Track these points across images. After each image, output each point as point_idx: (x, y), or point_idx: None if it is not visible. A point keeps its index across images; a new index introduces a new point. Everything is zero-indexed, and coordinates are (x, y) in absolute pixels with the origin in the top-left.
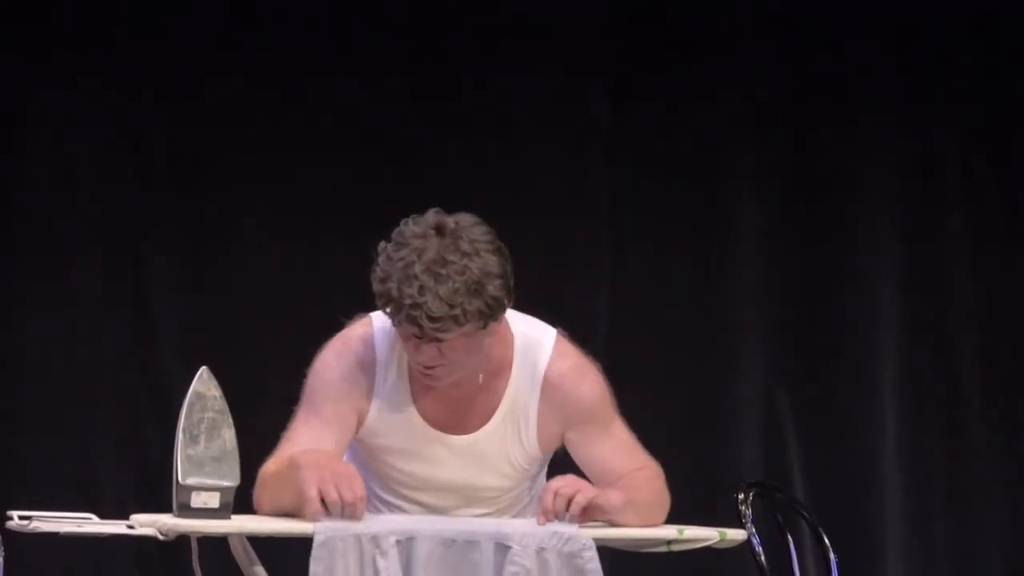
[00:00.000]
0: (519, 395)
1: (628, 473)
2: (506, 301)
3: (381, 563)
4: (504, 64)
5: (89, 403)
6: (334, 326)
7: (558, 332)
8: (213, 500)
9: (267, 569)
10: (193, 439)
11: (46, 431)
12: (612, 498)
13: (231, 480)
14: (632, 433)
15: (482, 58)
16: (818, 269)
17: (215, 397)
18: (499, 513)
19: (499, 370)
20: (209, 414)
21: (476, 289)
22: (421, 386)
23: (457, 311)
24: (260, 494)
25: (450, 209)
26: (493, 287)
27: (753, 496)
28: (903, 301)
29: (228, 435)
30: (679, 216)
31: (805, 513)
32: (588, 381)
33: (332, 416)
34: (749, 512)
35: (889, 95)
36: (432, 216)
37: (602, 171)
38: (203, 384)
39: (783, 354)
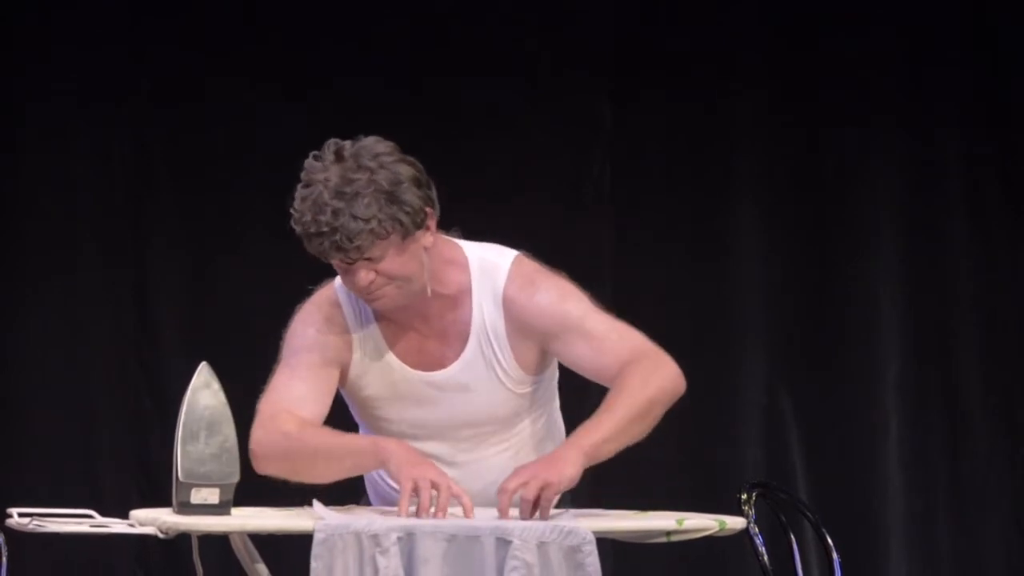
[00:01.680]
0: (485, 318)
1: (619, 369)
2: (426, 207)
3: (381, 561)
4: (506, 63)
5: (90, 401)
6: None
7: (519, 254)
8: (213, 496)
9: (267, 561)
10: (193, 435)
11: (47, 429)
12: (569, 472)
13: (231, 476)
14: (613, 320)
15: (484, 57)
16: (820, 269)
17: (215, 392)
18: (518, 448)
19: (458, 296)
20: (209, 410)
21: (388, 198)
22: (392, 330)
23: (373, 224)
24: (294, 457)
25: (453, 210)
26: (407, 193)
27: (756, 496)
28: (905, 301)
29: (228, 431)
30: (681, 216)
31: (808, 513)
32: (543, 289)
33: (319, 365)
34: (752, 512)
35: (890, 95)
36: (330, 145)
37: (604, 169)
38: (203, 380)
39: (786, 354)
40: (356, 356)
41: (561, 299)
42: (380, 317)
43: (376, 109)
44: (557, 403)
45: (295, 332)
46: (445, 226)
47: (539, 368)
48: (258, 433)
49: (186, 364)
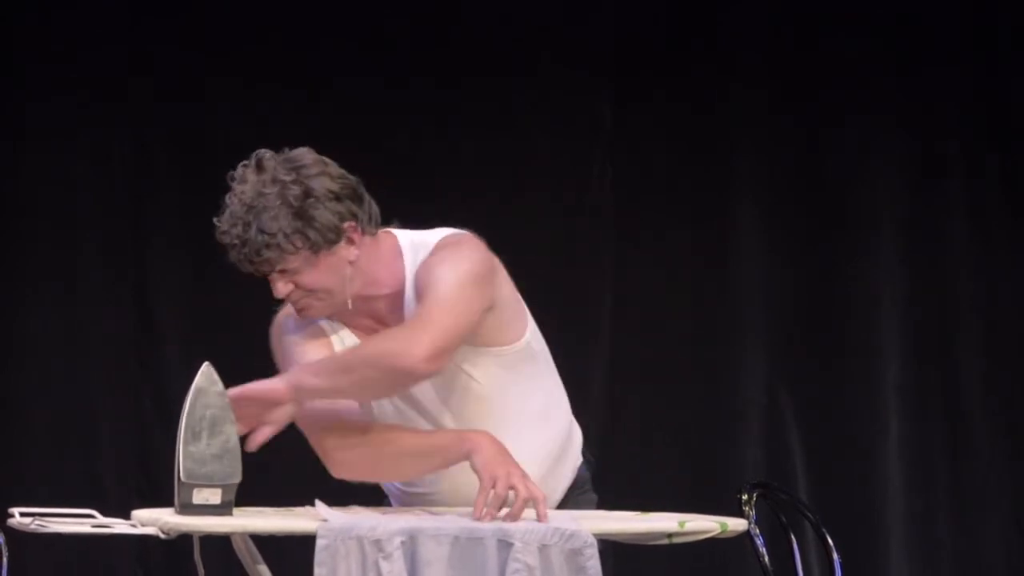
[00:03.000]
0: (413, 300)
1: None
2: (343, 223)
3: (384, 566)
4: (506, 64)
5: (90, 401)
6: None
7: (455, 231)
8: (215, 497)
9: (268, 561)
10: (195, 435)
11: (48, 428)
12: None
13: (233, 477)
14: (459, 296)
15: (484, 58)
16: (821, 269)
17: (217, 393)
18: (518, 430)
19: (402, 288)
20: (211, 410)
21: (296, 213)
22: (359, 332)
23: (279, 238)
24: (382, 460)
25: (453, 210)
26: (316, 208)
27: (756, 496)
28: (905, 301)
29: (230, 431)
30: (682, 216)
31: (808, 513)
32: (440, 255)
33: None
34: (752, 512)
35: (890, 95)
36: (255, 156)
37: (605, 170)
38: (205, 380)
39: (786, 355)
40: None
41: (441, 262)
42: (345, 320)
43: (376, 109)
44: (548, 382)
45: (285, 346)
46: (441, 224)
47: (480, 340)
48: (329, 441)
49: (186, 364)
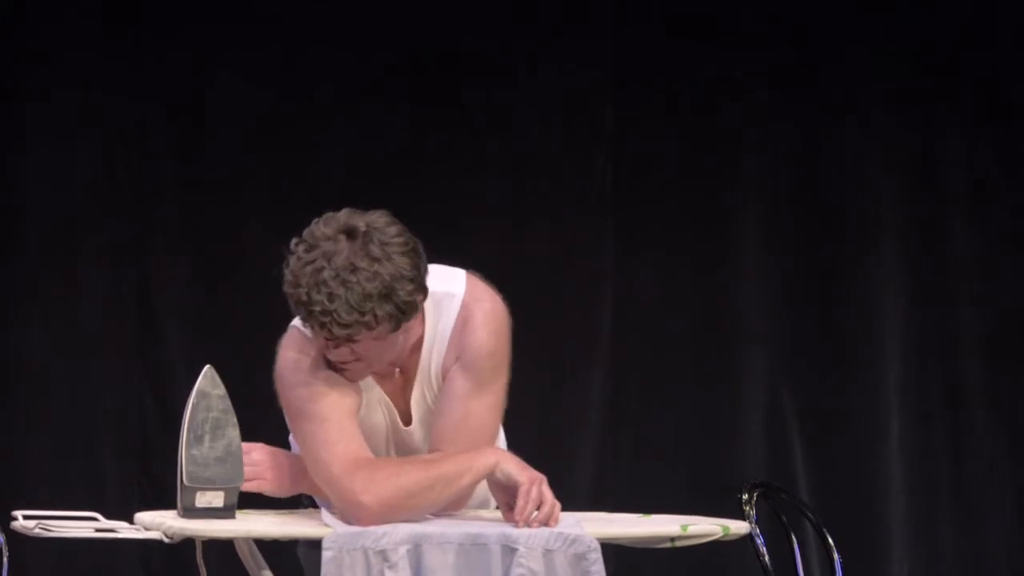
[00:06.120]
0: (430, 355)
1: (437, 450)
2: (418, 302)
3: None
4: (507, 64)
5: (93, 403)
6: None
7: (468, 275)
8: (217, 500)
9: (266, 558)
10: (197, 439)
11: (50, 431)
12: None
13: (236, 480)
14: (496, 412)
15: (485, 58)
16: (822, 270)
17: (219, 396)
18: None
19: (417, 342)
20: (213, 413)
21: (386, 294)
22: (379, 376)
23: (368, 317)
24: (417, 498)
25: (453, 209)
26: (404, 291)
27: (757, 496)
28: (907, 301)
29: (232, 434)
30: (683, 216)
31: (809, 513)
32: (489, 330)
33: (351, 411)
34: (753, 512)
35: (891, 95)
36: (343, 216)
37: (606, 171)
38: (207, 383)
39: (787, 355)
40: (364, 399)
41: (492, 352)
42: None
43: (376, 109)
44: None
45: (302, 382)
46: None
47: None
48: (358, 488)
49: (190, 364)
